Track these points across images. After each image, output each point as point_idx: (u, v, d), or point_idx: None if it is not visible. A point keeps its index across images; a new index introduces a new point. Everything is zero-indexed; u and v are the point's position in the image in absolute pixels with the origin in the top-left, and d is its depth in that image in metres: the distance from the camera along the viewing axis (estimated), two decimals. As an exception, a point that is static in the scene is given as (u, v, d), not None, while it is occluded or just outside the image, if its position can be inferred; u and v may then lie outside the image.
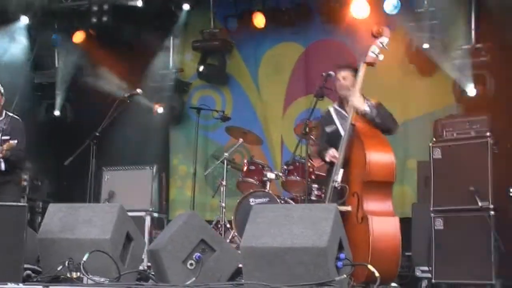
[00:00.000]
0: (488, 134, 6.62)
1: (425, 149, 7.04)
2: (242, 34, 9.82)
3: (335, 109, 6.15)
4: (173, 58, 10.00)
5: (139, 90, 7.02)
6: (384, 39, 5.88)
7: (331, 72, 6.11)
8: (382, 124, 5.90)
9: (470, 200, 6.50)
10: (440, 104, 8.53)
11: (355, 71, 6.02)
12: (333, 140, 6.03)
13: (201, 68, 9.71)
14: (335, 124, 6.08)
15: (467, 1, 8.21)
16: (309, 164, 7.46)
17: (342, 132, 5.95)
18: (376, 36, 5.91)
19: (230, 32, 9.82)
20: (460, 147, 6.77)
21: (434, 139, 6.92)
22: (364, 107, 5.85)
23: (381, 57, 5.88)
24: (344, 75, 6.09)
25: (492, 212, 6.43)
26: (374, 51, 5.87)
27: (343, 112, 6.08)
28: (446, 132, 6.99)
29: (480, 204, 6.44)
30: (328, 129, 6.13)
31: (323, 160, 6.18)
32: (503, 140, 6.87)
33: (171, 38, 9.84)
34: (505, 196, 6.80)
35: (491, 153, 6.55)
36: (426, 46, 8.20)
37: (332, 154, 5.89)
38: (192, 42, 9.81)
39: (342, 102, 6.15)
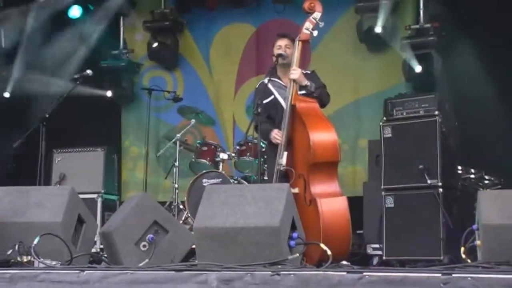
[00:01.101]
0: (436, 112, 6.72)
1: (376, 128, 7.13)
2: (193, 14, 9.76)
3: (270, 80, 6.09)
4: (124, 39, 9.89)
5: (89, 71, 6.92)
6: (317, 15, 5.87)
7: (283, 52, 6.10)
8: (319, 97, 5.91)
9: (420, 178, 6.61)
10: (391, 83, 8.63)
11: (293, 42, 6.05)
12: (270, 110, 6.02)
13: (155, 44, 9.56)
14: (273, 94, 6.07)
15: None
16: (261, 144, 7.48)
17: (280, 101, 5.95)
18: (308, 12, 5.91)
19: (181, 12, 9.74)
20: (409, 126, 6.87)
21: (385, 118, 7.01)
22: (305, 81, 5.86)
23: (315, 33, 5.88)
24: (287, 43, 6.10)
25: (440, 190, 6.54)
26: (308, 28, 5.87)
27: (279, 81, 6.09)
28: (396, 111, 7.08)
29: (429, 181, 6.55)
30: (265, 100, 6.06)
31: (267, 140, 6.13)
32: (450, 118, 6.99)
33: (121, 18, 9.71)
34: (453, 174, 6.94)
35: (439, 131, 6.66)
36: (378, 30, 8.27)
37: (276, 135, 5.87)
38: (143, 22, 9.71)
39: (276, 72, 6.13)
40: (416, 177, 6.64)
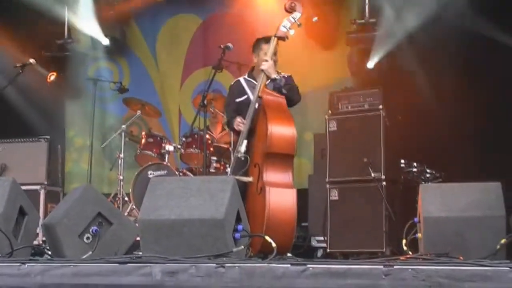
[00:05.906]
0: (380, 107, 6.82)
1: (322, 121, 7.19)
2: (140, 5, 9.67)
3: (245, 79, 6.18)
4: (69, 28, 9.73)
5: (32, 60, 6.81)
6: (297, 15, 5.93)
7: (229, 44, 6.11)
8: (287, 94, 5.96)
9: (364, 171, 6.71)
10: (337, 77, 8.69)
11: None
12: (242, 109, 6.07)
13: (107, 42, 9.41)
14: (246, 93, 6.11)
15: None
16: (208, 136, 7.47)
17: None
18: (289, 11, 5.96)
19: (127, 2, 9.65)
20: (354, 120, 6.96)
21: (330, 112, 7.07)
22: (274, 74, 5.90)
23: (292, 32, 5.94)
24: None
25: (384, 183, 6.65)
26: (285, 26, 5.92)
27: (254, 81, 6.12)
28: (341, 105, 7.15)
29: (373, 175, 6.66)
30: (238, 99, 6.14)
31: (232, 129, 6.21)
32: (394, 112, 7.09)
33: (66, 7, 9.55)
34: (396, 167, 7.05)
35: (383, 125, 6.76)
36: (315, 19, 8.34)
37: (239, 120, 5.95)
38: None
39: (253, 72, 6.17)
40: (361, 170, 6.73)
